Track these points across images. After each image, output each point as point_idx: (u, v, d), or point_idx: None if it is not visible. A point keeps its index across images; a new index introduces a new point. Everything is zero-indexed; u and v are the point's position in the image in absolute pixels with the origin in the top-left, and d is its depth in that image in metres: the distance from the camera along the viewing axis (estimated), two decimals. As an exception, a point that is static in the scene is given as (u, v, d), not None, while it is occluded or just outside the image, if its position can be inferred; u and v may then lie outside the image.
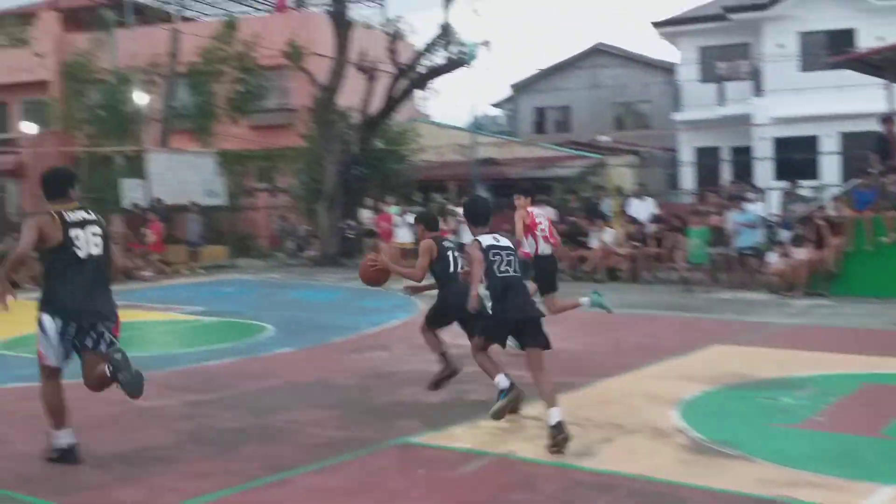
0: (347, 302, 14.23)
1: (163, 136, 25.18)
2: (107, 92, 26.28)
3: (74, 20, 31.53)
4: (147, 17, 30.00)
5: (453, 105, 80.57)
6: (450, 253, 6.91)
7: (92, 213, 5.56)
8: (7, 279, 5.27)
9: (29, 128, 27.04)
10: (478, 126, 27.76)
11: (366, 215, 21.21)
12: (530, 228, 8.57)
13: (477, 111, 42.51)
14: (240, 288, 16.72)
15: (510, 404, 5.97)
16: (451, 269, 6.84)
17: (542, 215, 8.86)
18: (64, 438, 5.45)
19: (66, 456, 5.43)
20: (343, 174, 21.95)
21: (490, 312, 5.95)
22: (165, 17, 30.08)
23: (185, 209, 21.22)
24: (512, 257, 5.98)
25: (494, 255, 5.93)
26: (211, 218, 24.10)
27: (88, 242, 5.42)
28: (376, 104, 22.19)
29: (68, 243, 5.35)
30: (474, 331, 6.27)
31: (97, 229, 5.49)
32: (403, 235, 18.48)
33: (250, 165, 25.48)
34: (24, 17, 25.92)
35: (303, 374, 8.14)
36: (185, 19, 32.80)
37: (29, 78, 27.86)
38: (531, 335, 5.73)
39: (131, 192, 21.52)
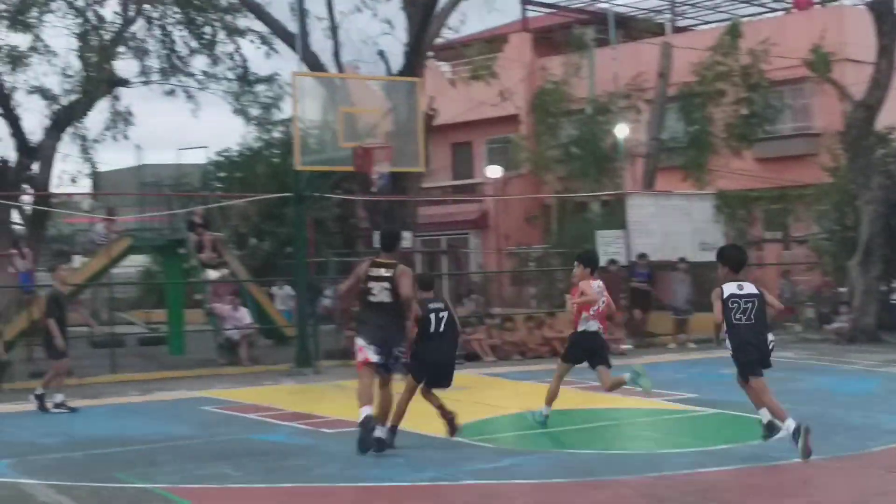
0: (893, 394, 13.66)
1: (647, 176, 26.52)
2: (582, 125, 28.56)
3: (545, 42, 35.00)
4: (631, 30, 32.07)
5: None
6: None
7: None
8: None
9: (494, 171, 30.40)
10: None
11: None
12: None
13: None
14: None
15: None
16: None
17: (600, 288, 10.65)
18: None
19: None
20: (886, 219, 21.09)
21: None
22: (654, 30, 31.84)
23: (671, 266, 22.06)
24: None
25: None
26: (703, 277, 24.63)
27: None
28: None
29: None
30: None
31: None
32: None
33: (756, 209, 25.59)
34: (492, 42, 29.30)
35: (833, 495, 8.10)
36: (678, 29, 34.43)
37: (495, 113, 31.39)
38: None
39: (609, 247, 22.95)
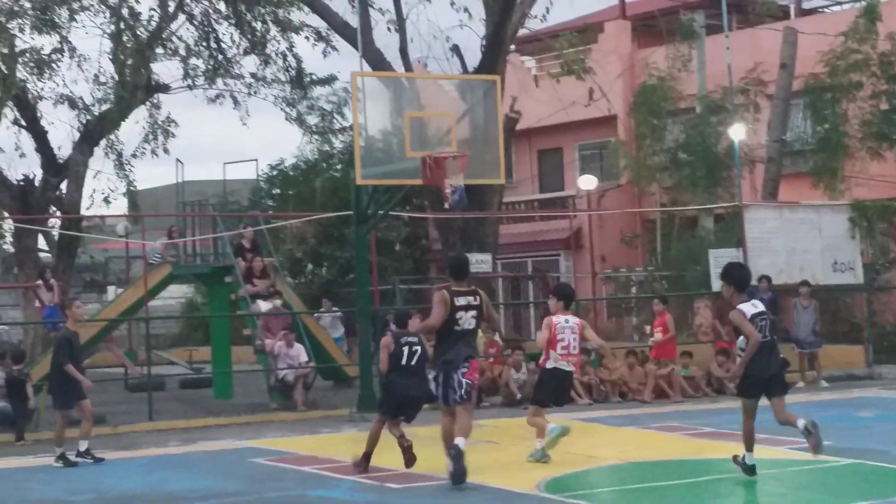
0: None
1: (768, 185, 26.24)
2: (691, 126, 28.38)
3: (647, 31, 34.87)
4: (748, 14, 31.77)
5: None
6: None
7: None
8: None
9: (588, 182, 30.32)
10: None
11: None
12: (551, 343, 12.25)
13: None
14: (884, 412, 16.55)
15: None
16: None
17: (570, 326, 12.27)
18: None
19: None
20: None
21: None
22: (775, 13, 31.50)
23: (794, 291, 21.72)
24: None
25: None
26: (837, 303, 24.19)
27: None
28: None
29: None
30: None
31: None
32: None
33: (901, 222, 25.20)
34: (584, 32, 29.18)
35: None
36: (803, 12, 34.03)
37: (589, 115, 31.29)
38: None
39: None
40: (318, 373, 21.42)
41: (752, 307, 10.72)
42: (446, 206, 17.44)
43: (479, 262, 22.98)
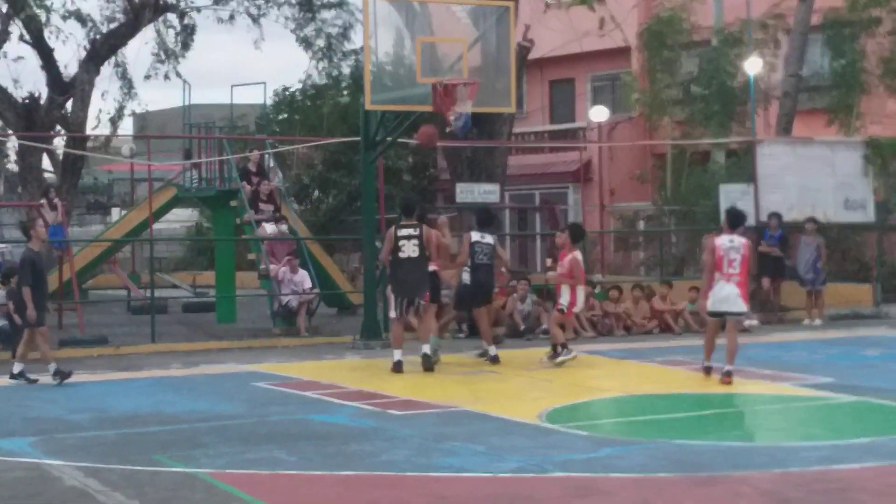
0: None
1: (783, 120, 26.07)
2: (706, 59, 28.14)
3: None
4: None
5: None
6: None
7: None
8: None
9: (599, 114, 30.16)
10: None
11: None
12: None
13: None
14: (890, 351, 16.60)
15: None
16: None
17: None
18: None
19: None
20: None
21: None
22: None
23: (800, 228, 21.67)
24: None
25: None
26: (848, 241, 24.14)
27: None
28: None
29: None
30: None
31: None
32: None
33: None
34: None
35: None
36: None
37: (602, 46, 31.06)
38: None
39: (734, 204, 22.58)
40: (322, 299, 21.49)
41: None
42: (448, 130, 17.45)
43: (487, 192, 22.91)
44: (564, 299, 15.17)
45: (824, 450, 9.45)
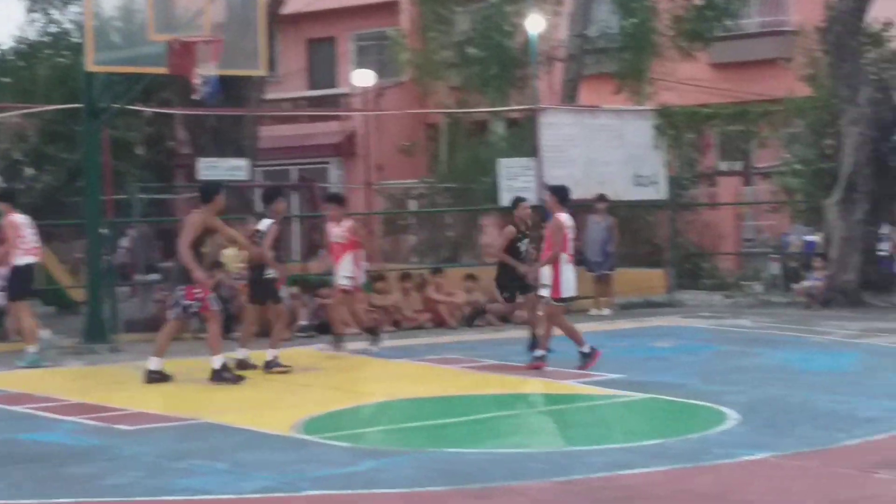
0: (874, 372, 14.08)
1: (567, 86, 26.68)
2: (483, 17, 28.48)
3: None
4: None
5: None
6: None
7: None
8: None
9: (364, 78, 30.23)
10: None
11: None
12: None
13: None
14: (683, 342, 17.22)
15: None
16: None
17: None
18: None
19: None
20: (874, 144, 21.69)
21: None
22: None
23: (590, 207, 22.14)
24: None
25: None
26: (639, 222, 24.85)
27: None
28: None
29: None
30: None
31: None
32: None
33: (710, 131, 25.94)
34: None
35: (787, 502, 8.32)
36: None
37: (367, 0, 31.20)
38: None
39: (514, 180, 22.96)
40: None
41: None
42: (194, 97, 17.18)
43: (234, 168, 22.60)
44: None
45: (611, 454, 9.69)
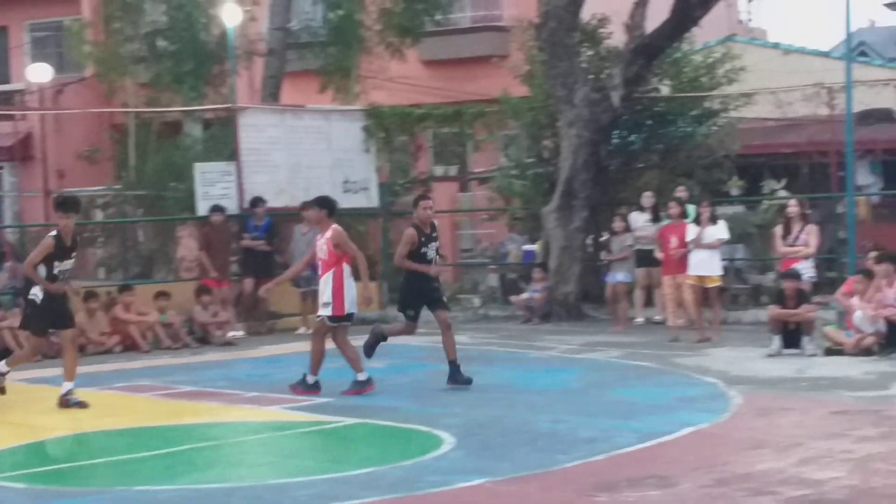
0: (594, 389, 14.31)
1: (268, 84, 26.49)
2: (174, 8, 27.99)
3: None
4: None
5: (809, 17, 79.26)
6: None
7: None
8: None
9: (41, 73, 29.32)
10: (857, 51, 27.11)
11: (639, 222, 21.05)
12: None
13: (855, 25, 41.51)
14: (395, 362, 17.19)
15: None
16: None
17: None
18: None
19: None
20: (593, 147, 22.18)
21: None
22: None
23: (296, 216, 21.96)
24: None
25: None
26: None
27: None
28: (656, 16, 22.30)
29: None
30: None
31: None
32: (706, 264, 18.27)
33: (423, 133, 26.11)
34: None
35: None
36: None
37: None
38: None
39: (211, 187, 22.63)
40: None
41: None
42: None
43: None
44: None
45: (318, 485, 9.61)
